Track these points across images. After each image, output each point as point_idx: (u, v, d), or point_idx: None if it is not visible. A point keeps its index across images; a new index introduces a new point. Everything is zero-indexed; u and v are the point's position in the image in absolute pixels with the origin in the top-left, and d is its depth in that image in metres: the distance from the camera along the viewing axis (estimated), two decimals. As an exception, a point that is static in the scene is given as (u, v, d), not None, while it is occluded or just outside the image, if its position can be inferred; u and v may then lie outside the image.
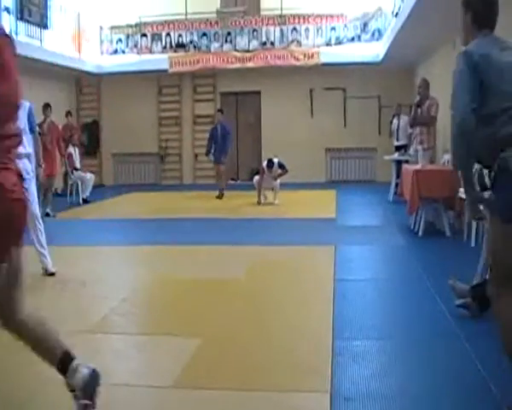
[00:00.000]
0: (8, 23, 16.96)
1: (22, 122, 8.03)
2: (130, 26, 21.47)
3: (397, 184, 13.72)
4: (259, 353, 5.15)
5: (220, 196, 16.74)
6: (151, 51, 21.31)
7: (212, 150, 17.12)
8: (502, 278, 3.82)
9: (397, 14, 14.98)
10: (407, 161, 13.80)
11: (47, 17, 18.44)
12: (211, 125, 20.08)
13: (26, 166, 8.03)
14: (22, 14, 17.11)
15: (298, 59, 20.20)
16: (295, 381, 4.54)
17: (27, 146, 8.11)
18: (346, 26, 20.12)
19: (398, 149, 16.22)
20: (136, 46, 21.44)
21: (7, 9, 16.91)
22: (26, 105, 8.16)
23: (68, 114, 15.98)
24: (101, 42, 21.73)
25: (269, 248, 9.63)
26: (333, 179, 21.24)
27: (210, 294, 7.12)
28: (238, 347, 5.30)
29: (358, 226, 11.81)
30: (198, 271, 8.26)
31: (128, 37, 21.52)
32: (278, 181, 15.39)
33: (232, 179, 21.61)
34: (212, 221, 12.96)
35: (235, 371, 4.76)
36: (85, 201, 16.79)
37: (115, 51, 21.67)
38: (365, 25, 20.02)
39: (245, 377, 4.62)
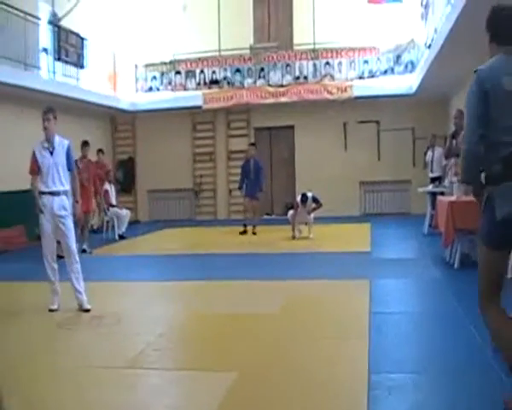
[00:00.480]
0: (46, 63, 17.32)
1: (61, 159, 8.18)
2: (165, 64, 21.76)
3: (432, 216, 13.62)
4: (295, 388, 5.12)
5: (245, 232, 16.74)
6: (185, 88, 21.55)
7: (244, 185, 17.15)
8: (488, 295, 4.41)
9: (430, 45, 15.00)
10: (442, 193, 13.70)
11: (83, 57, 18.77)
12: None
13: (64, 203, 8.17)
14: (60, 54, 17.48)
15: (331, 93, 20.25)
16: (331, 416, 4.52)
17: (65, 183, 8.25)
18: (378, 58, 20.16)
19: (432, 180, 16.12)
20: (170, 83, 21.69)
21: (45, 50, 17.28)
22: (64, 143, 8.31)
23: (99, 151, 16.15)
24: (136, 80, 22.03)
25: (304, 283, 9.60)
26: (367, 212, 21.15)
27: (245, 329, 7.11)
28: (274, 381, 5.28)
29: (393, 259, 11.72)
30: (233, 306, 8.27)
31: (162, 74, 21.80)
32: (312, 215, 15.38)
33: (267, 214, 21.64)
34: (246, 256, 12.97)
35: (271, 406, 4.75)
36: (121, 237, 16.93)
37: (150, 89, 21.94)
38: (398, 57, 20.05)
39: (281, 413, 4.61)
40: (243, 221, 17.05)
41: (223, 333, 7.05)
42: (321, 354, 6.01)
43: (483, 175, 4.25)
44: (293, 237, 15.21)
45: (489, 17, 4.47)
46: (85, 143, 14.70)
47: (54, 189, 8.17)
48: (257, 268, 11.34)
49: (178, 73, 21.61)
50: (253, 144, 17.95)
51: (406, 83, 19.71)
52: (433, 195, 14.62)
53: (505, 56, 4.28)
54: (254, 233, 16.68)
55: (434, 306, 8.06)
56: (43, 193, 8.18)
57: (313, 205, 15.32)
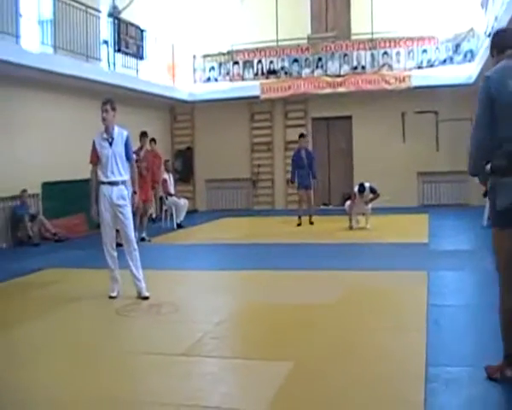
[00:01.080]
0: (107, 55, 17.57)
1: (119, 150, 8.31)
2: (223, 54, 21.84)
3: (491, 208, 13.41)
4: (351, 379, 5.14)
5: (300, 224, 16.72)
6: (243, 78, 21.60)
7: (297, 177, 17.13)
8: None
9: (490, 34, 14.76)
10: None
11: (143, 48, 18.98)
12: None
13: (123, 193, 8.31)
14: (120, 46, 17.69)
15: (389, 83, 20.08)
16: (387, 408, 4.53)
17: (124, 173, 8.38)
18: (437, 48, 19.90)
19: (492, 171, 15.86)
20: (228, 74, 21.77)
21: (105, 42, 17.53)
22: (123, 134, 8.44)
23: (152, 141, 16.24)
24: (195, 70, 22.16)
25: (361, 273, 9.60)
26: (425, 203, 20.91)
27: (302, 319, 7.14)
28: (330, 372, 5.30)
29: (451, 251, 11.61)
30: (290, 296, 8.30)
31: (220, 65, 21.88)
32: (370, 205, 15.31)
33: (324, 204, 21.61)
34: (303, 246, 12.99)
35: (327, 397, 4.77)
36: (179, 226, 17.11)
37: (208, 79, 22.06)
38: (457, 46, 19.75)
39: (337, 404, 4.64)
40: (298, 213, 17.04)
41: (279, 323, 7.09)
42: (378, 345, 6.01)
43: (488, 166, 4.75)
44: (351, 228, 15.18)
45: (494, 36, 5.21)
46: (144, 134, 14.88)
47: (113, 179, 8.31)
48: (314, 258, 11.36)
49: (236, 63, 21.67)
50: (302, 135, 17.80)
51: (465, 72, 19.38)
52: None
53: (507, 61, 4.81)
54: (312, 223, 16.66)
55: (492, 299, 7.92)
56: (103, 183, 8.33)
57: (371, 195, 15.25)
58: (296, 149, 17.50)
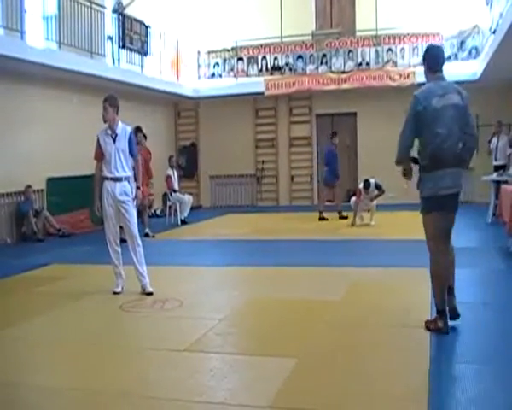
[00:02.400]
0: (111, 51, 17.58)
1: (123, 146, 8.33)
2: (227, 50, 21.85)
3: (496, 206, 13.41)
4: (354, 375, 5.15)
5: (343, 217, 16.74)
6: (247, 74, 21.62)
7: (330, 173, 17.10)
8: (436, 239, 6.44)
9: (495, 30, 14.74)
10: (506, 182, 13.46)
11: (147, 44, 18.98)
12: (307, 147, 20.34)
13: (126, 189, 8.33)
14: (124, 42, 17.70)
15: (394, 79, 20.07)
16: (391, 406, 4.52)
17: (127, 169, 8.40)
18: (442, 44, 19.84)
19: (496, 169, 15.85)
20: (232, 70, 21.79)
21: (110, 38, 17.53)
22: (127, 130, 8.45)
23: (143, 136, 15.75)
24: (199, 66, 22.18)
25: (365, 270, 9.60)
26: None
27: (306, 315, 7.15)
28: (333, 369, 5.31)
29: (456, 248, 11.50)
30: (295, 292, 8.31)
31: (225, 61, 21.89)
32: (375, 202, 15.31)
33: (329, 201, 21.60)
34: (308, 243, 12.99)
35: (330, 394, 4.76)
36: (183, 222, 17.12)
37: (212, 75, 22.08)
38: (462, 43, 19.74)
39: (340, 402, 4.63)
40: (319, 208, 17.06)
41: (284, 319, 7.09)
42: (382, 341, 6.01)
43: (418, 165, 6.32)
44: (353, 224, 15.18)
45: (424, 53, 6.68)
46: (138, 129, 14.71)
47: (116, 174, 8.32)
48: (318, 255, 11.36)
49: (240, 59, 21.68)
50: (335, 133, 17.72)
51: (470, 69, 19.34)
52: (497, 183, 14.37)
53: (434, 83, 6.33)
54: (345, 217, 16.66)
55: (498, 296, 7.97)
56: (106, 178, 8.34)
57: (376, 192, 15.24)
58: (331, 147, 17.40)
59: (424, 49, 6.82)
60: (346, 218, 16.49)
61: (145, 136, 15.29)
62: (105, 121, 8.37)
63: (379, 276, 9.22)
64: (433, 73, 6.44)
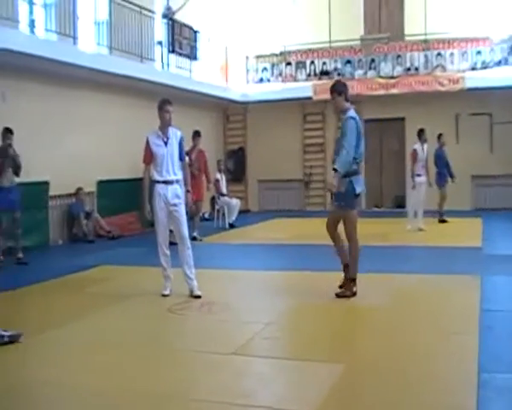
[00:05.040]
0: (160, 55, 17.78)
1: (174, 150, 8.40)
2: (275, 55, 21.90)
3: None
4: (401, 384, 5.12)
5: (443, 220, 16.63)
6: (295, 79, 21.63)
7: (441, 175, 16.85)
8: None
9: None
10: None
11: (196, 49, 19.15)
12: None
13: (177, 192, 8.41)
14: (173, 46, 17.87)
15: (442, 84, 19.90)
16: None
17: (178, 172, 8.48)
18: (492, 49, 19.63)
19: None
20: (280, 74, 21.82)
21: (159, 43, 17.73)
22: (177, 134, 8.53)
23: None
24: (247, 71, 22.25)
25: (413, 276, 9.53)
26: (478, 207, 20.62)
27: (353, 321, 7.18)
28: (381, 376, 5.28)
29: (506, 256, 11.44)
30: (341, 298, 8.27)
31: (273, 65, 21.94)
32: (423, 209, 15.19)
33: (376, 206, 21.52)
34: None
35: (378, 401, 4.76)
36: (231, 225, 17.21)
37: (260, 80, 22.13)
38: (513, 47, 19.49)
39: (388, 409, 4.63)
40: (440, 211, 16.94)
41: (330, 324, 7.12)
42: (429, 349, 5.97)
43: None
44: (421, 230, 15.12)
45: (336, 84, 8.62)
46: (196, 133, 14.91)
47: (168, 178, 8.39)
48: (366, 261, 11.23)
49: (289, 64, 21.70)
50: (442, 134, 17.52)
51: (521, 74, 19.12)
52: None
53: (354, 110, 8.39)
54: (445, 221, 16.62)
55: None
56: (158, 182, 8.41)
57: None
58: (438, 148, 17.17)
59: (339, 84, 8.68)
60: (445, 222, 16.47)
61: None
62: (163, 124, 8.45)
63: (426, 282, 9.15)
64: (348, 102, 8.45)
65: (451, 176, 16.67)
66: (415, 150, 15.39)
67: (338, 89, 8.40)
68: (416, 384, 5.07)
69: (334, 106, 8.63)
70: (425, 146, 15.60)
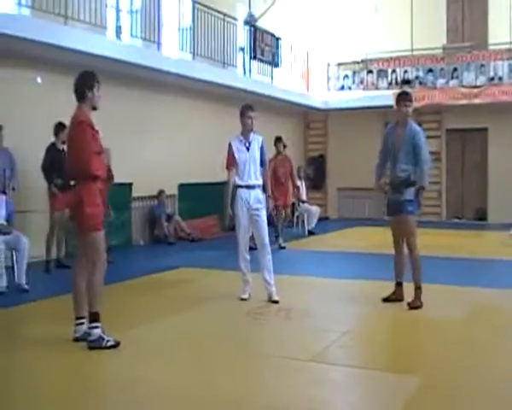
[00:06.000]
0: (242, 62, 17.96)
1: (256, 155, 8.50)
2: (357, 63, 21.85)
3: None
4: (480, 399, 5.02)
5: None
6: (377, 87, 21.52)
7: None
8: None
9: None
10: None
11: (278, 56, 19.26)
12: (436, 162, 19.93)
13: (259, 196, 8.51)
14: (255, 53, 18.03)
15: (528, 95, 19.51)
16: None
17: (259, 177, 8.58)
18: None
19: None
20: (362, 82, 21.74)
21: (242, 49, 17.92)
22: (259, 139, 8.63)
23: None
24: (329, 78, 22.26)
25: (491, 291, 9.32)
26: None
27: (428, 333, 7.12)
28: (458, 391, 5.19)
29: None
30: (418, 310, 8.18)
31: (354, 73, 21.89)
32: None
33: (457, 218, 21.24)
34: (432, 259, 12.74)
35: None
36: (310, 232, 17.26)
37: (342, 87, 22.11)
38: None
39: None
40: None
41: (406, 335, 7.11)
42: (507, 368, 5.84)
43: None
44: None
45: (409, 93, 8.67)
46: (278, 139, 14.97)
47: (250, 182, 8.51)
48: (443, 272, 11.13)
49: (370, 72, 21.61)
50: None
51: None
52: None
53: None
54: None
55: None
56: (240, 186, 8.53)
57: None
58: None
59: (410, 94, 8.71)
60: None
61: (285, 145, 15.37)
62: (246, 129, 8.57)
63: (506, 297, 8.96)
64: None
65: None
66: None
67: (412, 99, 8.47)
68: (496, 402, 4.96)
69: (404, 115, 8.48)
70: None
